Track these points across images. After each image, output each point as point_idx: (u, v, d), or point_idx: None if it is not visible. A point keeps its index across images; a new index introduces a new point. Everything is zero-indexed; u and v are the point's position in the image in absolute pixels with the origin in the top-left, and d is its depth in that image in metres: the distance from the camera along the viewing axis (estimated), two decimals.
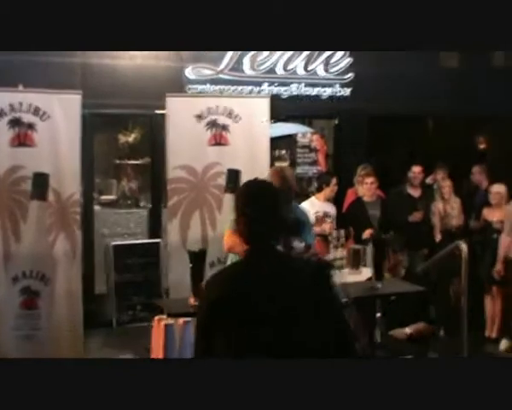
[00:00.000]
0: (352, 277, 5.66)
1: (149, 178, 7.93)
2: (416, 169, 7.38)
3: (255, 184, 2.45)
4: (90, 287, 6.84)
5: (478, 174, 7.84)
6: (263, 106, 5.75)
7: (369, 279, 4.93)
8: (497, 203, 7.05)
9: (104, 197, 8.36)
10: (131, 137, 10.26)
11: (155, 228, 7.52)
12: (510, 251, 6.72)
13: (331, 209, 6.86)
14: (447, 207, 7.30)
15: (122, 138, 10.28)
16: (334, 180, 6.79)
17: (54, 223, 5.15)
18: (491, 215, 7.10)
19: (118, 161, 10.04)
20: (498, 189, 7.10)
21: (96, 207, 7.61)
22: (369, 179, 6.93)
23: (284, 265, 2.30)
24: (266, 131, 5.82)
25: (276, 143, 7.56)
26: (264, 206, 2.31)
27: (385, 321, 4.37)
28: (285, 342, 2.21)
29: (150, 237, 7.45)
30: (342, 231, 6.18)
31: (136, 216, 7.84)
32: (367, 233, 6.65)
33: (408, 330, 4.91)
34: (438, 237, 7.22)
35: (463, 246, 5.92)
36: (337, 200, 7.26)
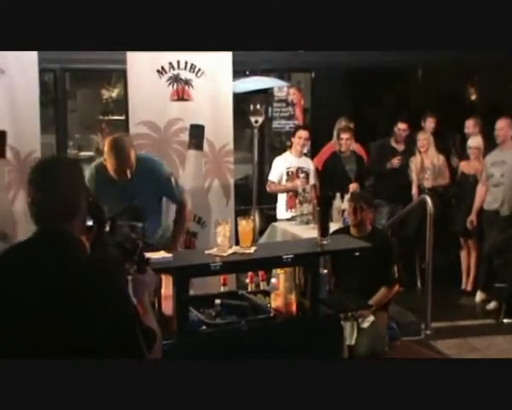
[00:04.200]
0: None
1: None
2: (402, 126, 7.30)
3: (41, 162, 2.28)
4: None
5: (472, 127, 7.42)
6: (226, 60, 5.65)
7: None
8: (475, 158, 6.94)
9: (83, 153, 8.35)
10: (115, 93, 10.17)
11: None
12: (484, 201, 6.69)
13: (306, 164, 6.80)
14: (426, 162, 7.13)
15: (105, 94, 10.20)
16: (299, 133, 6.71)
17: (12, 181, 5.13)
18: (468, 168, 7.02)
19: (101, 117, 10.00)
20: (476, 143, 6.96)
21: None
22: (345, 135, 6.86)
23: (58, 254, 2.11)
24: (230, 86, 5.75)
25: (251, 97, 7.49)
26: (45, 187, 2.15)
27: (333, 278, 4.35)
28: (49, 334, 2.05)
29: None
30: (308, 186, 6.14)
31: None
32: (353, 187, 6.58)
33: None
34: (415, 194, 7.10)
35: (428, 200, 5.91)
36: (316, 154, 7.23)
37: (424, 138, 7.16)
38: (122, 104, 9.43)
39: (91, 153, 8.57)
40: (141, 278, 2.42)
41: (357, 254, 4.25)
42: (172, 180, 4.62)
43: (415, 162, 7.18)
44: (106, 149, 4.29)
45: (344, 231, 5.28)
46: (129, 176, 4.25)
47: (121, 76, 9.00)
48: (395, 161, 7.14)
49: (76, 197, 2.20)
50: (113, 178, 4.29)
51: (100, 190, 4.11)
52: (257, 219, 7.35)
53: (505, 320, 6.18)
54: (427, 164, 7.12)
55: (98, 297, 2.07)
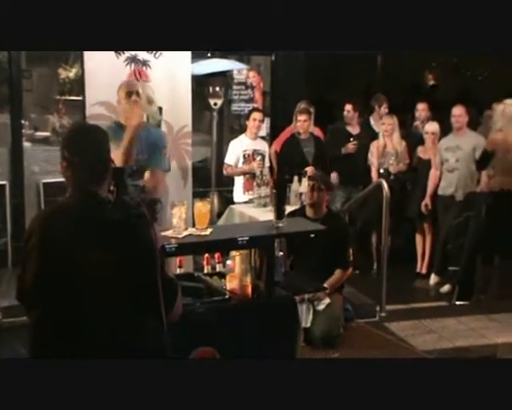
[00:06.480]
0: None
1: (82, 115, 7.75)
2: (348, 107, 7.32)
3: (77, 127, 2.51)
4: (21, 224, 6.75)
5: (423, 111, 7.46)
6: None
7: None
8: (432, 142, 6.99)
9: (38, 134, 8.19)
10: (72, 72, 9.97)
11: None
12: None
13: (262, 147, 6.80)
14: (388, 147, 7.08)
15: (63, 73, 9.99)
16: (253, 114, 6.67)
17: None
18: (425, 153, 7.08)
19: (58, 97, 9.79)
20: (433, 128, 7.02)
21: (26, 144, 7.44)
22: (302, 117, 6.84)
23: (97, 213, 2.31)
24: (188, 68, 5.71)
25: (210, 79, 7.45)
26: (82, 151, 2.33)
27: (289, 260, 4.37)
28: (91, 290, 2.23)
29: None
30: (266, 169, 6.14)
31: None
32: (310, 170, 6.54)
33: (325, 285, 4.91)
34: (374, 177, 7.06)
35: (384, 184, 5.96)
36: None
37: (389, 123, 7.06)
38: (80, 84, 9.28)
39: (47, 133, 8.41)
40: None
41: (313, 236, 4.29)
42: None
43: (376, 146, 7.13)
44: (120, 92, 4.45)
45: (300, 211, 5.32)
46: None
47: (79, 55, 8.84)
48: (350, 146, 7.15)
49: (106, 161, 2.38)
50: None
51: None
52: (215, 201, 7.33)
53: (457, 302, 6.30)
54: (389, 149, 7.08)
55: (132, 247, 2.29)
